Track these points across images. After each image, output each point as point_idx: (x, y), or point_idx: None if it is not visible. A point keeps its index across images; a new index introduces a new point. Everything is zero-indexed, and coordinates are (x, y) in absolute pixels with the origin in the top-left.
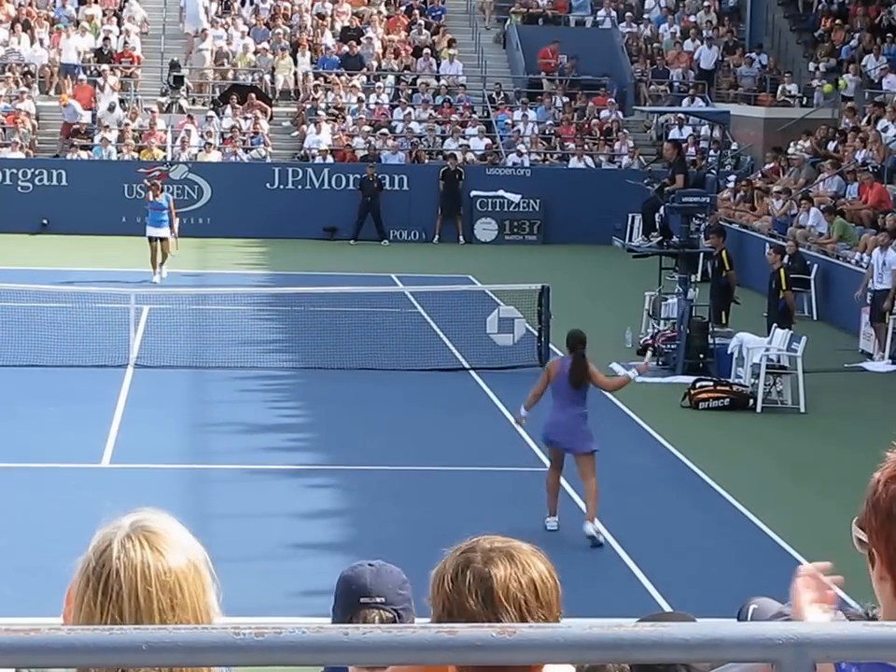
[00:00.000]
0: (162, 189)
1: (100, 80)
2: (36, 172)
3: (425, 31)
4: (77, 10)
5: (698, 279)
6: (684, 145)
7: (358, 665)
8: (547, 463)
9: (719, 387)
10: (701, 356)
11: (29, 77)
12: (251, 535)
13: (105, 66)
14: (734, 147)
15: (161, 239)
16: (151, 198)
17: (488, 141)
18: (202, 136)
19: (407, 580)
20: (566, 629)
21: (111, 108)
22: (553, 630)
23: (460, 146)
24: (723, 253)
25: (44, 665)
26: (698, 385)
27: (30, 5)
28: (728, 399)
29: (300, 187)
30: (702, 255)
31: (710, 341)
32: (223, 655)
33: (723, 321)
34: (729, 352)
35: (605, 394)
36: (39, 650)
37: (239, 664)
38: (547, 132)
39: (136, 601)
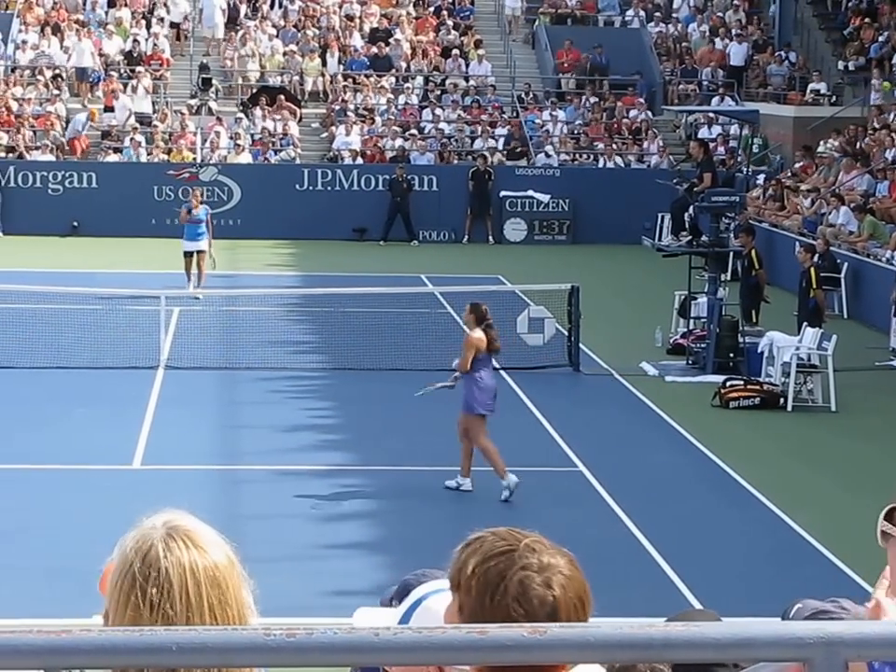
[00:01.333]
0: (202, 201)
1: (132, 82)
2: (67, 174)
3: (453, 31)
4: (106, 13)
5: (728, 278)
6: (713, 144)
7: (389, 665)
8: (577, 461)
9: (749, 386)
10: (731, 355)
11: (59, 80)
12: (281, 535)
13: (135, 69)
14: (758, 139)
15: (199, 252)
16: (184, 216)
17: (514, 140)
18: (231, 138)
19: None
20: (596, 629)
21: (129, 117)
22: (584, 630)
23: (488, 148)
24: (753, 252)
25: (75, 666)
26: (728, 384)
27: (60, 8)
28: (758, 399)
29: (329, 188)
30: (732, 254)
31: (740, 340)
32: (254, 656)
33: (753, 320)
34: (759, 351)
35: (635, 394)
36: (71, 651)
37: (270, 664)
38: (576, 132)
39: (188, 599)
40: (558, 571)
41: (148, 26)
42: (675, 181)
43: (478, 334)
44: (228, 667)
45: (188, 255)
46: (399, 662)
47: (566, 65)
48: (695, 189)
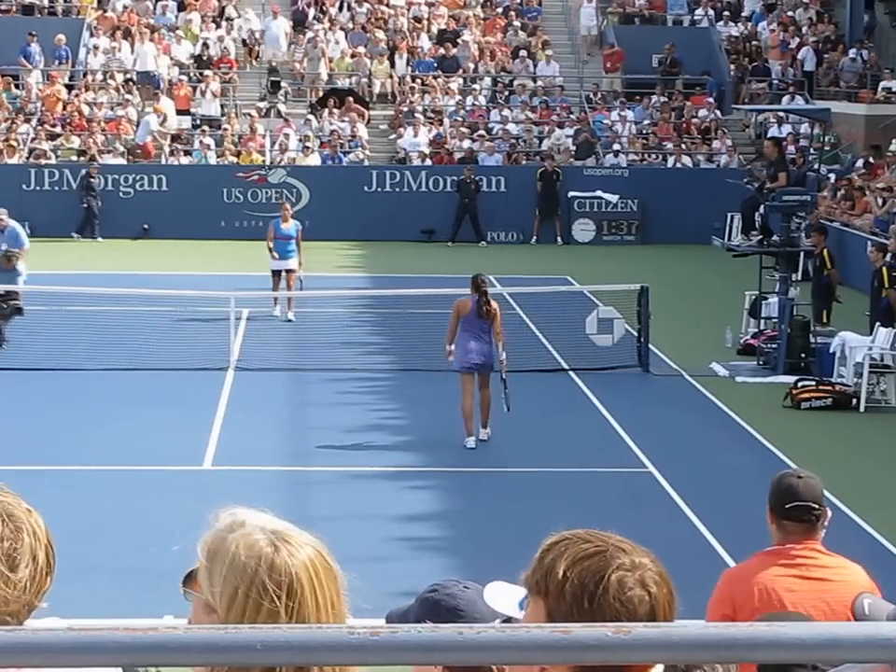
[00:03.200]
0: (292, 215)
1: (200, 86)
2: (137, 177)
3: (521, 32)
4: (176, 17)
5: (799, 278)
6: (784, 143)
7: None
8: (647, 462)
9: (821, 387)
10: (803, 355)
11: (130, 84)
12: (351, 536)
13: (206, 72)
14: (829, 138)
15: (288, 271)
16: (270, 235)
17: (585, 135)
18: (300, 140)
19: None
20: (682, 628)
21: (195, 124)
22: (668, 629)
23: (553, 144)
24: (825, 251)
25: (162, 664)
26: (800, 384)
27: (131, 13)
28: (830, 399)
29: (397, 189)
30: (802, 253)
31: (812, 340)
32: (338, 654)
33: (825, 320)
34: (831, 351)
35: (705, 394)
36: (156, 648)
37: (353, 663)
38: (644, 131)
39: (315, 599)
40: (648, 570)
41: (218, 29)
42: (745, 180)
43: (461, 300)
44: (312, 665)
45: (275, 274)
46: (483, 661)
47: (608, 66)
48: (768, 187)
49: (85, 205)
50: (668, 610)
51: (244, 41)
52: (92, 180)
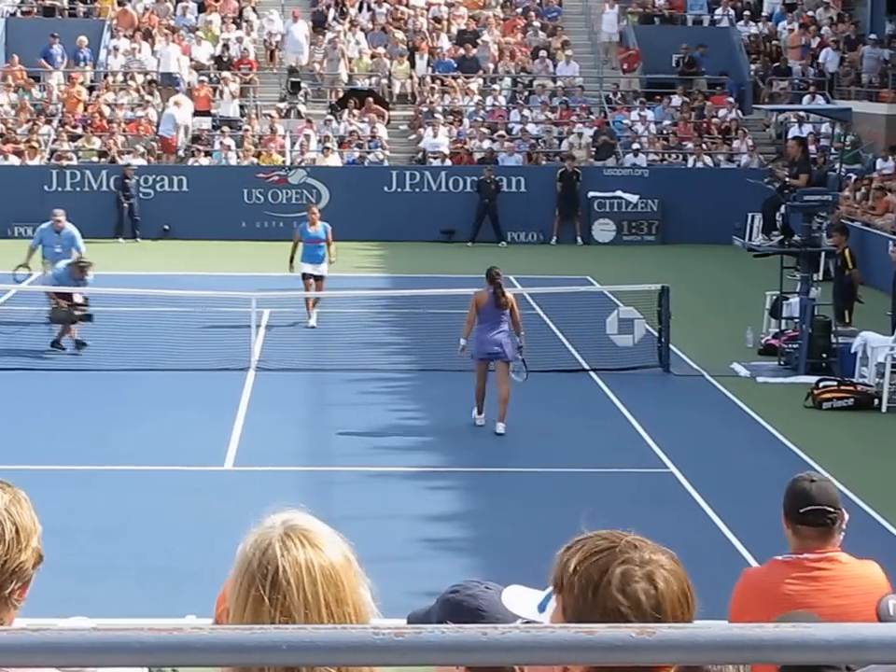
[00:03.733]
0: (320, 217)
1: (219, 86)
2: (158, 178)
3: (541, 32)
4: (196, 18)
5: (820, 278)
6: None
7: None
8: (668, 463)
9: (843, 387)
10: (824, 355)
11: (151, 85)
12: (370, 536)
13: (226, 73)
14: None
15: (317, 278)
16: (297, 238)
17: (603, 135)
18: (319, 141)
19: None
20: (706, 629)
21: (215, 125)
22: (693, 630)
23: (574, 140)
24: (846, 251)
25: (187, 663)
26: (822, 384)
27: (152, 14)
28: (852, 399)
29: (417, 189)
30: (824, 253)
31: (833, 340)
32: (362, 655)
33: (847, 320)
34: (853, 351)
35: (726, 395)
36: (181, 648)
37: (378, 663)
38: (665, 132)
39: (305, 597)
40: (660, 566)
41: (238, 30)
42: (766, 180)
43: (477, 292)
44: (337, 666)
45: (306, 277)
46: (508, 661)
47: (625, 67)
48: (789, 187)
49: (126, 205)
50: (680, 609)
51: (264, 42)
52: (127, 181)
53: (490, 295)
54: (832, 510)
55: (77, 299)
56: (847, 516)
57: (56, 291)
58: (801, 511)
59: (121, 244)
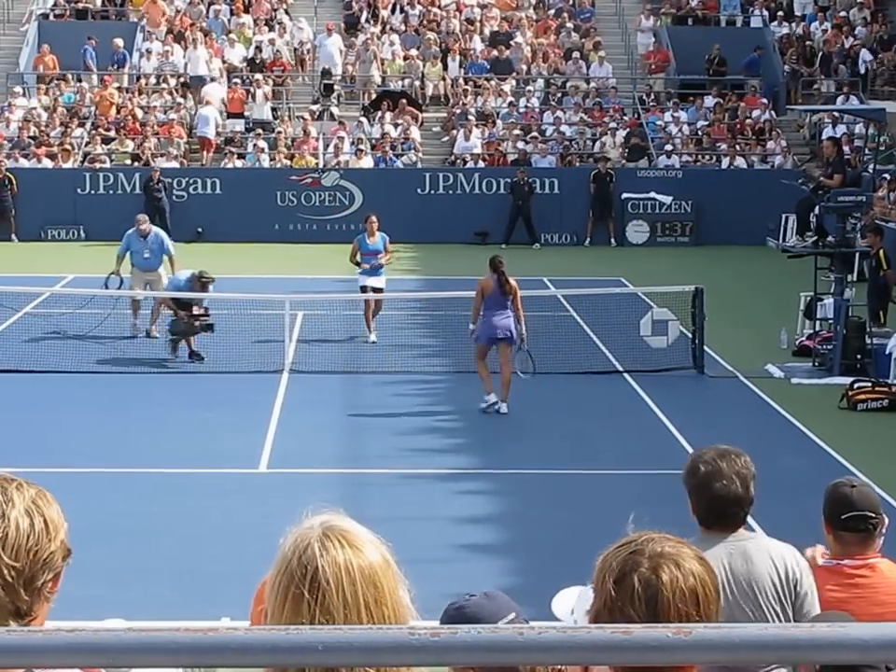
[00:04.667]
0: (378, 227)
1: (251, 88)
2: (191, 181)
3: (574, 34)
4: (228, 20)
5: (854, 279)
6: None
7: (534, 665)
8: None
9: (877, 388)
10: (858, 356)
11: (184, 87)
12: (405, 538)
13: (258, 75)
14: (884, 138)
15: (376, 289)
16: (355, 250)
17: (634, 138)
18: (352, 143)
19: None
20: (742, 629)
21: (248, 127)
22: (729, 630)
23: (605, 143)
24: (881, 252)
25: (223, 664)
26: (856, 385)
27: (184, 16)
28: (887, 400)
29: (450, 191)
30: (858, 254)
31: (868, 341)
32: (398, 655)
33: (881, 321)
34: (887, 352)
35: (760, 396)
36: (217, 649)
37: (414, 664)
38: (698, 132)
39: (344, 597)
40: (672, 562)
41: (271, 32)
42: (800, 181)
43: (483, 279)
44: (373, 666)
45: (364, 291)
46: (544, 661)
47: (653, 67)
48: (823, 187)
49: (156, 208)
50: (683, 605)
51: (294, 50)
52: (151, 184)
53: (495, 282)
54: (873, 515)
55: (197, 309)
56: (887, 521)
57: (173, 299)
58: (842, 517)
59: None
